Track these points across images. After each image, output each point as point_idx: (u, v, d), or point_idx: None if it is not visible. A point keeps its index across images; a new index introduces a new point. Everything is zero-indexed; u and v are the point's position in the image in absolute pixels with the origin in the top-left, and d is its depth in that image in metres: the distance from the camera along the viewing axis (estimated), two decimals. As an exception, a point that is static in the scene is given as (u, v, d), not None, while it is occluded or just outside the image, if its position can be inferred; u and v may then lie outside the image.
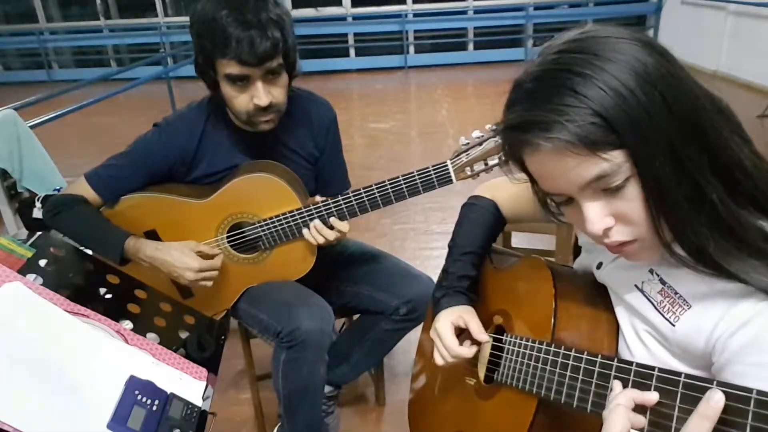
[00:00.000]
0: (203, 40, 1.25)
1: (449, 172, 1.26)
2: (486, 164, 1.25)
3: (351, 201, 1.33)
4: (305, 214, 1.36)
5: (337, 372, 1.68)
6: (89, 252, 1.37)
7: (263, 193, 1.38)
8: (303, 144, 1.49)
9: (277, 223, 1.38)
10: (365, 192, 1.31)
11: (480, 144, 1.23)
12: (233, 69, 1.24)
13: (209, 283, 1.39)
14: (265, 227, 1.40)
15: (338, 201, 1.33)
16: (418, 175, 1.28)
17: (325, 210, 1.35)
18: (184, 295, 1.49)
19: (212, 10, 1.22)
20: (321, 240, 1.35)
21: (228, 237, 1.43)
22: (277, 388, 1.49)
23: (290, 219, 1.37)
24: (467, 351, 0.97)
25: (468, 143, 1.25)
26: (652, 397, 0.59)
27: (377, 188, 1.30)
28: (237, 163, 1.43)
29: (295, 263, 1.45)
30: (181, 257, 1.35)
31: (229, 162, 1.43)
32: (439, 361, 1.01)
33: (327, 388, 1.70)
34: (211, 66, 1.27)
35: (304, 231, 1.36)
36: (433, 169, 1.27)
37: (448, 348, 0.98)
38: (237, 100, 1.30)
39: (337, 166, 1.59)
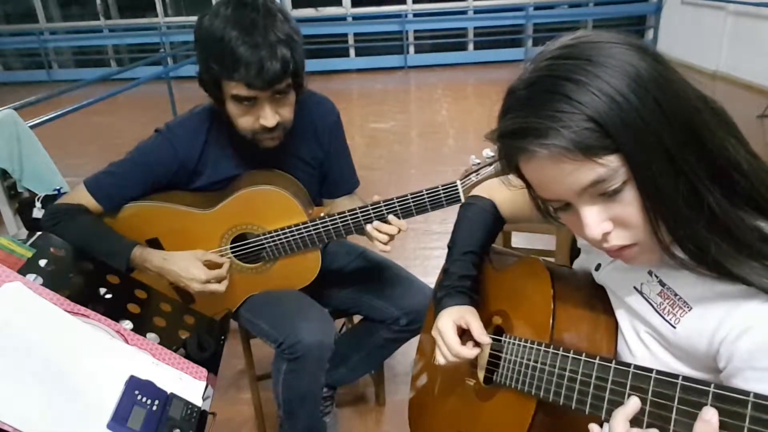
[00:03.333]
0: (210, 60, 1.22)
1: (458, 193, 1.24)
2: None
3: (358, 217, 1.30)
4: (311, 228, 1.34)
5: (335, 374, 1.68)
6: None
7: (269, 206, 1.37)
8: (308, 149, 1.47)
9: (282, 236, 1.37)
10: (373, 209, 1.29)
11: (490, 165, 1.21)
12: (241, 91, 1.21)
13: (221, 288, 1.38)
14: (270, 239, 1.39)
15: (345, 216, 1.31)
16: (427, 193, 1.26)
17: (332, 225, 1.33)
18: (186, 301, 1.49)
19: (220, 29, 1.18)
20: (385, 238, 1.30)
21: (232, 248, 1.43)
22: (276, 394, 1.49)
23: (295, 232, 1.36)
24: (469, 351, 0.97)
25: (479, 162, 1.23)
26: (634, 404, 0.61)
27: (385, 205, 1.28)
28: (241, 173, 1.41)
29: (298, 274, 1.44)
30: (188, 267, 1.34)
31: (233, 171, 1.41)
32: (440, 360, 1.01)
33: (324, 390, 1.71)
34: (217, 85, 1.25)
35: (368, 229, 1.30)
36: (443, 189, 1.25)
37: (449, 347, 0.98)
38: (242, 119, 1.28)
39: (345, 165, 1.57)
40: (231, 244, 1.43)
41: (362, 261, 1.64)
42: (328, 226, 1.33)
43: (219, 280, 1.37)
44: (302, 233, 1.36)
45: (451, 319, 1.00)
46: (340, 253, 1.66)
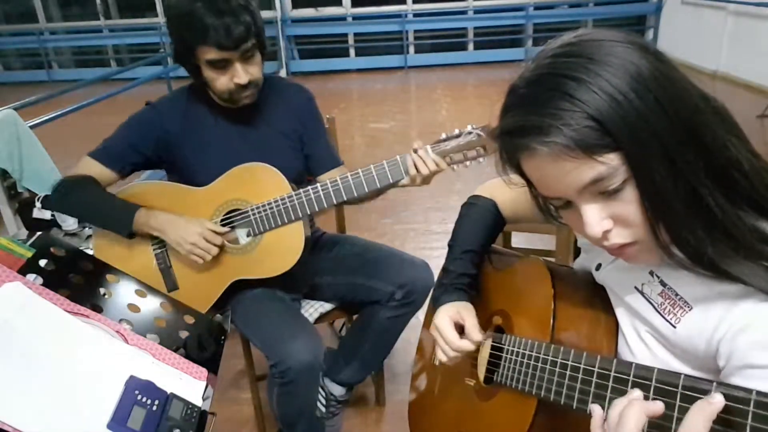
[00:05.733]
0: (183, 31, 1.35)
1: (428, 153, 1.33)
2: (464, 156, 1.33)
3: (337, 184, 1.39)
4: (294, 198, 1.42)
5: (348, 372, 1.70)
6: (91, 253, 1.40)
7: (258, 180, 1.45)
8: (286, 123, 1.56)
9: (267, 207, 1.44)
10: (352, 176, 1.38)
11: (458, 136, 1.32)
12: (213, 54, 1.34)
13: (213, 249, 1.42)
14: (255, 211, 1.45)
15: (326, 185, 1.39)
16: (400, 158, 1.35)
17: (313, 193, 1.40)
18: (170, 288, 1.51)
19: (186, 4, 1.33)
20: (427, 168, 1.33)
21: (222, 223, 1.47)
22: (272, 408, 1.55)
23: (280, 203, 1.43)
24: (469, 344, 0.97)
25: (446, 135, 1.34)
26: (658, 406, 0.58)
27: (363, 172, 1.38)
28: (221, 140, 1.50)
29: (282, 254, 1.47)
30: (187, 222, 1.42)
31: (214, 138, 1.50)
32: (441, 357, 1.01)
33: (339, 391, 1.73)
34: (192, 54, 1.37)
35: (411, 163, 1.34)
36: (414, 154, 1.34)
37: (449, 343, 0.98)
38: (218, 81, 1.39)
39: (325, 143, 1.65)
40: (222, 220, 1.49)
41: (351, 247, 1.69)
42: (310, 193, 1.41)
43: (213, 240, 1.43)
44: (286, 204, 1.43)
45: (447, 315, 1.00)
46: (328, 245, 1.71)
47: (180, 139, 1.48)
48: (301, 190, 1.41)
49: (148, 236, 1.46)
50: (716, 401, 0.52)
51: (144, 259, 1.50)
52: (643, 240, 0.65)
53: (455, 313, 1.00)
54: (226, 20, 1.30)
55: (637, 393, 0.59)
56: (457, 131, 1.33)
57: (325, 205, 1.41)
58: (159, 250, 1.51)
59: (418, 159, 1.33)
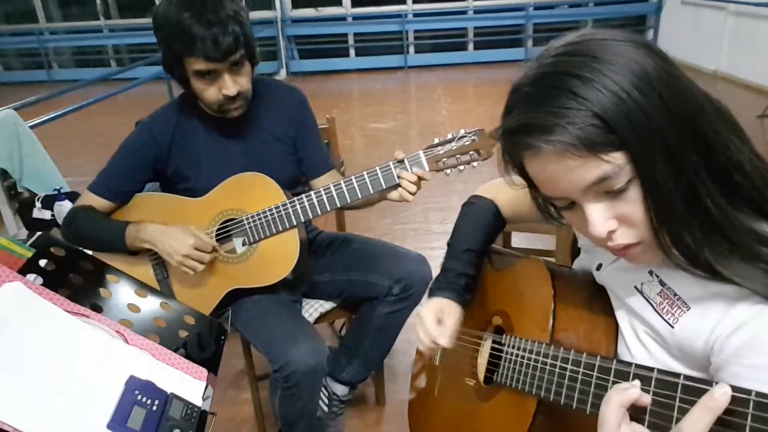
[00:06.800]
0: (170, 41, 1.33)
1: (420, 159, 1.34)
2: (458, 160, 1.33)
3: (331, 192, 1.39)
4: (288, 206, 1.42)
5: (350, 370, 1.70)
6: (90, 252, 1.41)
7: (252, 189, 1.45)
8: (278, 125, 1.55)
9: (262, 216, 1.44)
10: (345, 183, 1.38)
11: (451, 141, 1.32)
12: (201, 65, 1.33)
13: (204, 258, 1.40)
14: (250, 220, 1.45)
15: (320, 193, 1.40)
16: (393, 164, 1.35)
17: (307, 201, 1.40)
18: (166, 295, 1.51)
19: (175, 14, 1.30)
20: (413, 183, 1.35)
21: (217, 233, 1.48)
22: (273, 408, 1.56)
23: (274, 212, 1.43)
24: (444, 339, 0.99)
25: (439, 140, 1.35)
26: (641, 396, 0.59)
27: (356, 178, 1.37)
28: (214, 148, 1.49)
29: (277, 262, 1.47)
30: (178, 232, 1.40)
31: (206, 147, 1.49)
32: (419, 345, 1.03)
33: (341, 390, 1.73)
34: (180, 64, 1.36)
35: (399, 191, 1.36)
36: (408, 159, 1.35)
37: (427, 332, 1.01)
38: (207, 92, 1.38)
39: (318, 145, 1.64)
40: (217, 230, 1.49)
41: (348, 244, 1.69)
42: (303, 201, 1.41)
43: (204, 252, 1.42)
44: (281, 212, 1.43)
45: (432, 308, 1.02)
46: (325, 243, 1.72)
47: (172, 152, 1.48)
48: (295, 199, 1.41)
49: (146, 249, 1.46)
50: (719, 395, 0.51)
51: (143, 270, 1.50)
52: (647, 240, 0.65)
53: (440, 309, 1.02)
54: (214, 31, 1.28)
55: (635, 387, 0.60)
56: (450, 135, 1.33)
57: (319, 212, 1.41)
58: (156, 262, 1.50)
59: (403, 182, 1.33)
